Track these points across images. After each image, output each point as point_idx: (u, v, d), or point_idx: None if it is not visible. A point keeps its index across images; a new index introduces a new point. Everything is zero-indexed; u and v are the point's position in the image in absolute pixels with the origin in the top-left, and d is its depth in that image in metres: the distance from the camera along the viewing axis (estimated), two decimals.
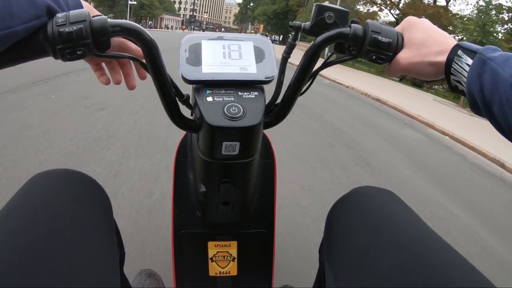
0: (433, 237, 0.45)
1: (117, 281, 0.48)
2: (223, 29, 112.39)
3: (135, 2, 42.74)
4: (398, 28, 0.50)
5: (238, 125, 0.46)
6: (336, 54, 0.54)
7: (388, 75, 0.53)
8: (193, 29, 69.96)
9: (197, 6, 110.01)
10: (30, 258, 0.35)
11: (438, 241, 0.44)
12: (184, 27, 70.76)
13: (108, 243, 0.48)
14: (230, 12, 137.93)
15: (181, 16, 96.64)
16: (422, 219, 0.49)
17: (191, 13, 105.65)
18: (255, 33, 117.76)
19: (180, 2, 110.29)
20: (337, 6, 0.50)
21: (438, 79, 0.48)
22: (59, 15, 0.42)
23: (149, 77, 0.50)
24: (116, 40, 0.52)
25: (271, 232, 0.72)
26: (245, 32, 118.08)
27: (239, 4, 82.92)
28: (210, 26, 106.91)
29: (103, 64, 0.59)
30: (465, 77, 0.41)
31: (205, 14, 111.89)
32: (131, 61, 0.57)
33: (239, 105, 0.48)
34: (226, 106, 0.47)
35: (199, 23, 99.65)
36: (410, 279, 0.38)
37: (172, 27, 57.00)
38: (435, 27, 0.48)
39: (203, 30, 72.04)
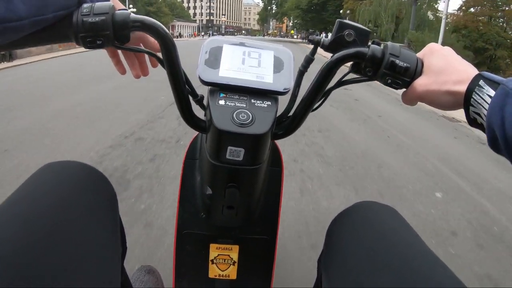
0: (429, 257, 0.46)
1: (118, 274, 0.51)
2: (243, 31, 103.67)
3: (135, 10, 32.73)
4: (419, 54, 0.50)
5: (244, 131, 0.47)
6: (352, 74, 0.53)
7: (404, 103, 0.52)
8: (212, 35, 60.00)
9: (213, 10, 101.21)
10: (33, 246, 0.37)
11: (434, 261, 0.45)
12: (196, 33, 65.11)
13: (111, 237, 0.51)
14: (249, 13, 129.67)
15: (197, 21, 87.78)
16: (420, 238, 0.51)
17: (207, 17, 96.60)
18: (279, 33, 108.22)
19: (195, 8, 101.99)
20: (359, 25, 0.50)
21: (456, 109, 0.46)
22: (85, 5, 0.46)
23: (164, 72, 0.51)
24: (136, 34, 0.56)
25: (273, 239, 0.74)
26: (266, 33, 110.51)
27: (259, 4, 71.94)
28: (230, 30, 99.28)
29: (119, 52, 0.61)
30: (485, 109, 0.39)
31: (223, 17, 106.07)
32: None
33: (249, 112, 0.48)
34: (236, 112, 0.48)
35: (217, 28, 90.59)
36: None
37: (179, 35, 47.46)
38: (457, 56, 0.47)
39: (223, 35, 62.40)
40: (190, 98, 0.54)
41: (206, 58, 0.53)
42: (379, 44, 0.50)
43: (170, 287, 0.80)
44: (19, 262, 0.35)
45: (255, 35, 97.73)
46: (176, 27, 61.20)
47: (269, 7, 62.30)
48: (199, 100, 0.56)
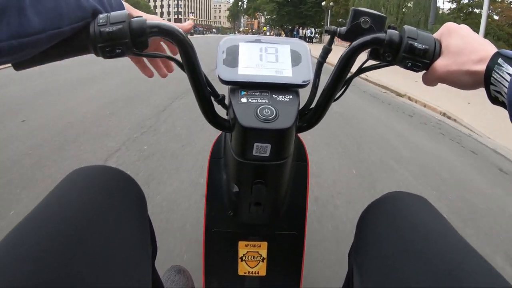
0: (463, 247, 0.45)
1: (148, 275, 0.53)
2: (214, 30, 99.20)
3: (193, 17, 28.59)
4: (436, 35, 0.50)
5: (270, 127, 0.48)
6: (371, 60, 0.55)
7: (424, 84, 0.53)
8: None
9: (181, 8, 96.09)
10: (66, 248, 0.38)
11: (468, 251, 0.45)
12: None
13: (141, 238, 0.52)
14: (219, 10, 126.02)
15: (165, 20, 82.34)
16: (453, 228, 0.50)
17: (175, 16, 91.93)
18: (251, 31, 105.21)
19: (162, 6, 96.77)
20: (374, 11, 0.51)
21: (477, 88, 0.47)
22: (101, 15, 0.47)
23: (184, 75, 0.52)
24: (155, 40, 0.61)
25: (302, 234, 0.74)
26: (238, 31, 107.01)
27: (229, 1, 67.42)
28: (199, 29, 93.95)
29: (144, 58, 0.65)
30: (506, 87, 0.40)
31: (191, 15, 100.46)
32: (165, 47, 0.66)
33: (272, 108, 0.49)
34: (260, 108, 0.49)
35: None
36: None
37: None
38: (475, 34, 0.48)
39: (192, 34, 57.87)
40: (212, 99, 0.54)
41: (223, 58, 0.53)
42: (395, 29, 0.50)
43: (200, 287, 0.82)
44: (51, 263, 0.37)
45: (226, 33, 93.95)
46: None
47: (240, 2, 58.06)
48: (221, 100, 0.56)
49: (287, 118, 0.49)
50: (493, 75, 0.42)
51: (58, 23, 0.42)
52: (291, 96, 0.52)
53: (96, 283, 0.39)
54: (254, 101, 0.51)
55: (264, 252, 0.72)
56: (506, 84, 0.40)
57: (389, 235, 0.51)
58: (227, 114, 0.57)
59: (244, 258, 0.72)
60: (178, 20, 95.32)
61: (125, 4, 0.55)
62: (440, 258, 0.43)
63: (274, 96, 0.52)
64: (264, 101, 0.51)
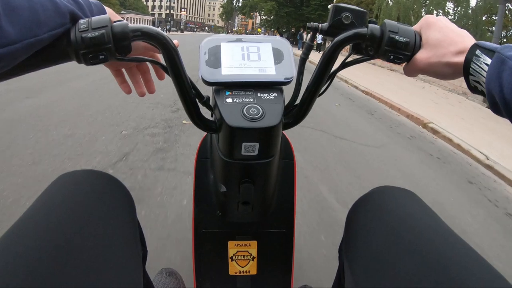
0: (452, 239, 0.47)
1: (140, 278, 0.53)
2: (206, 28, 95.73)
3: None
4: (416, 27, 0.53)
5: (258, 126, 0.49)
6: (354, 55, 0.57)
7: (406, 75, 0.56)
8: (169, 30, 51.51)
9: (174, 3, 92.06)
10: (55, 255, 0.39)
11: (458, 243, 0.46)
12: None
13: (131, 241, 0.53)
14: (214, 8, 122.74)
15: (156, 15, 78.70)
16: (442, 220, 0.52)
17: (167, 11, 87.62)
18: (245, 31, 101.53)
19: (154, 0, 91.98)
20: (354, 7, 0.53)
21: (456, 78, 0.50)
22: (81, 21, 0.46)
23: (169, 78, 0.53)
24: (138, 45, 0.58)
25: (291, 232, 0.76)
26: (231, 31, 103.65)
27: (221, 4, 63.16)
28: (191, 26, 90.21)
29: (124, 70, 0.65)
30: (484, 77, 0.43)
31: (183, 10, 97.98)
32: (150, 66, 0.66)
33: (258, 106, 0.51)
34: (246, 107, 0.50)
35: (176, 23, 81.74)
36: (428, 281, 0.41)
37: None
38: (453, 25, 0.50)
39: (182, 31, 54.72)
40: (197, 101, 0.56)
41: (206, 59, 0.54)
42: (376, 23, 0.52)
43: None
44: (41, 273, 0.37)
45: (219, 32, 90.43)
46: (126, 20, 51.94)
47: (234, 0, 54.01)
48: (205, 102, 0.57)
49: (274, 115, 0.50)
50: (471, 65, 0.45)
51: (35, 31, 0.41)
52: (275, 94, 0.54)
53: None
54: (240, 100, 0.51)
55: (254, 251, 0.73)
56: (484, 74, 0.43)
57: (379, 229, 0.52)
58: (211, 116, 0.58)
59: (234, 258, 0.73)
60: (169, 15, 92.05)
61: (107, 8, 0.54)
62: (430, 250, 0.44)
63: (259, 94, 0.53)
64: (249, 100, 0.52)
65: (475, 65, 0.44)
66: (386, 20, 0.51)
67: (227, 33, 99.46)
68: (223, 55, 0.55)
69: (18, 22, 0.38)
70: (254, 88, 0.54)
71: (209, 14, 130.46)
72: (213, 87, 0.55)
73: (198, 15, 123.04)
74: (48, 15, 0.42)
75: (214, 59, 0.54)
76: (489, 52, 0.43)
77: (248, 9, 43.58)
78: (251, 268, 0.74)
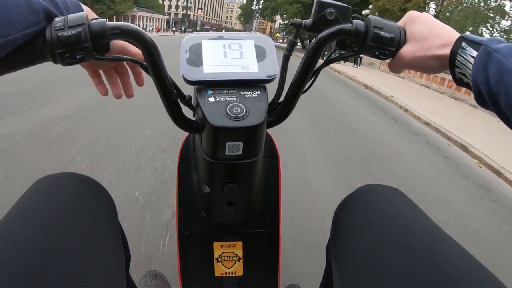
0: (440, 236, 0.47)
1: (123, 283, 0.54)
2: (223, 30, 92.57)
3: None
4: (400, 23, 0.53)
5: (241, 125, 0.49)
6: (339, 51, 0.57)
7: (391, 71, 0.56)
8: (184, 31, 48.51)
9: (191, 3, 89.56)
10: (36, 261, 0.38)
11: (446, 240, 0.47)
12: (158, 28, 50.22)
13: (113, 245, 0.53)
14: (232, 11, 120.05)
15: (171, 14, 76.00)
16: (430, 218, 0.53)
17: (184, 11, 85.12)
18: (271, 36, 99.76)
19: None
20: (338, 2, 0.53)
21: (442, 71, 0.51)
22: (57, 19, 0.45)
23: (150, 79, 0.53)
24: (116, 45, 0.56)
25: (276, 231, 0.76)
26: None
27: (243, 1, 59.49)
28: (207, 27, 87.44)
29: (101, 72, 0.64)
30: (470, 69, 0.44)
31: (200, 11, 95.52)
32: (129, 70, 0.65)
33: (241, 105, 0.50)
34: (229, 106, 0.50)
35: (193, 24, 79.11)
36: (417, 280, 0.41)
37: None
38: (436, 20, 0.51)
39: (183, 32, 52.59)
40: (178, 100, 0.55)
41: (187, 57, 0.53)
42: (360, 19, 0.52)
43: None
44: (21, 279, 0.36)
45: None
46: (138, 19, 49.30)
47: (255, 1, 49.87)
48: (187, 101, 0.56)
49: (258, 114, 0.50)
50: (457, 58, 0.45)
51: (7, 30, 0.39)
52: (259, 92, 0.53)
53: None
54: (223, 99, 0.51)
55: (239, 252, 0.73)
56: (470, 66, 0.43)
57: (366, 228, 0.52)
58: (193, 115, 0.58)
59: (220, 259, 0.73)
60: (186, 16, 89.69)
61: (83, 6, 0.53)
62: (419, 249, 0.44)
63: (242, 93, 0.52)
64: (232, 98, 0.51)
65: (461, 57, 0.45)
66: (371, 16, 0.51)
67: None
68: (205, 53, 0.54)
69: None
70: (237, 87, 0.53)
71: (226, 17, 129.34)
72: (195, 86, 0.54)
73: (216, 16, 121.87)
74: (21, 13, 0.40)
75: (196, 57, 0.53)
76: (475, 44, 0.44)
77: (269, 11, 39.95)
78: (237, 269, 0.74)
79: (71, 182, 0.53)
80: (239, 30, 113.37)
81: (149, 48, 0.48)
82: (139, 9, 51.34)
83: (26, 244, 0.39)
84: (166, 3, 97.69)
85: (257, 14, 56.36)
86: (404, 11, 23.24)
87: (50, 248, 0.40)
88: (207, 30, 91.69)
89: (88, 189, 0.54)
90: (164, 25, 65.44)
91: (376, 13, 24.62)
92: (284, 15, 36.49)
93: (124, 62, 0.63)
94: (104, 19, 0.47)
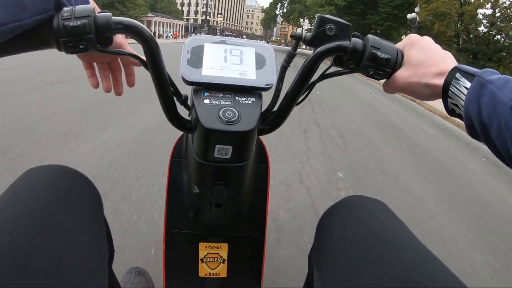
0: (420, 250, 0.49)
1: (105, 278, 0.53)
2: (244, 36, 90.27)
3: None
4: (399, 45, 0.54)
5: (232, 129, 0.50)
6: (335, 67, 0.58)
7: (384, 91, 0.57)
8: None
9: (211, 9, 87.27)
10: (18, 253, 0.39)
11: (424, 254, 0.48)
12: (176, 34, 47.66)
13: (97, 240, 0.53)
14: (252, 16, 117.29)
15: (190, 20, 73.90)
16: (411, 231, 0.54)
17: (203, 17, 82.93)
18: (285, 41, 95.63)
19: (189, 4, 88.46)
20: (339, 19, 0.54)
21: (434, 100, 0.52)
22: (65, 9, 0.47)
23: (148, 76, 0.54)
24: (117, 40, 0.59)
25: (262, 236, 0.78)
26: (269, 40, 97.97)
27: (264, 7, 55.99)
28: (227, 33, 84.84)
29: (95, 65, 0.66)
30: (462, 100, 0.44)
31: (219, 16, 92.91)
32: (122, 68, 0.68)
33: (234, 110, 0.51)
34: (222, 110, 0.51)
35: (212, 30, 76.71)
36: None
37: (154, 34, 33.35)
38: (436, 46, 0.52)
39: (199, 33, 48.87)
40: (175, 99, 0.56)
41: (188, 58, 0.54)
42: (359, 37, 0.53)
43: None
44: (4, 268, 0.37)
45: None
46: (154, 24, 46.65)
47: (279, 4, 45.94)
48: (183, 101, 0.58)
49: (249, 120, 0.51)
50: (450, 88, 0.45)
51: (20, 15, 0.41)
52: (254, 99, 0.54)
53: None
54: (217, 102, 0.52)
55: (224, 254, 0.74)
56: (463, 97, 0.43)
57: (348, 239, 0.53)
58: (189, 115, 0.59)
59: (204, 260, 0.74)
60: (205, 21, 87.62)
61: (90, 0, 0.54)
62: (398, 263, 0.45)
63: (237, 98, 0.53)
64: (227, 103, 0.52)
65: (454, 88, 0.45)
66: (370, 35, 0.52)
67: (267, 42, 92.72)
68: (206, 55, 0.55)
69: (4, 4, 0.40)
70: (233, 92, 0.54)
71: (247, 22, 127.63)
72: (193, 86, 0.55)
73: (236, 22, 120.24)
74: (33, 0, 0.43)
75: (196, 59, 0.54)
76: (469, 76, 0.44)
77: (296, 15, 36.28)
78: (221, 271, 0.75)
79: (58, 174, 0.54)
80: (260, 36, 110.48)
81: (150, 45, 0.50)
82: (155, 14, 49.00)
83: (9, 235, 0.40)
84: (185, 8, 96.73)
85: (281, 19, 52.87)
86: (461, 15, 19.45)
87: (33, 240, 0.41)
88: (227, 36, 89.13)
89: (74, 182, 0.55)
90: (182, 31, 62.92)
91: (428, 17, 20.98)
92: (313, 20, 33.07)
93: (119, 60, 0.66)
94: (110, 13, 0.48)
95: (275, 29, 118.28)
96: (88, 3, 0.50)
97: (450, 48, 21.36)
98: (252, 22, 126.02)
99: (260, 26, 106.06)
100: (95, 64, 0.65)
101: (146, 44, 0.49)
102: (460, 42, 21.88)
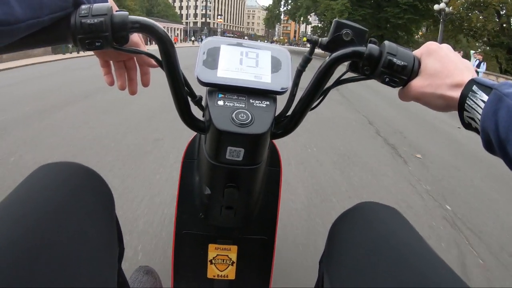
0: (432, 258, 0.48)
1: (114, 276, 0.53)
2: (246, 37, 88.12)
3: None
4: (416, 53, 0.53)
5: (244, 131, 0.49)
6: (350, 73, 0.57)
7: (400, 99, 0.56)
8: (202, 40, 42.76)
9: (210, 11, 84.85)
10: (28, 248, 0.39)
11: (437, 263, 0.47)
12: (176, 38, 45.41)
13: (108, 238, 0.53)
14: (253, 16, 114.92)
15: (189, 23, 71.75)
16: (423, 238, 0.54)
17: (202, 19, 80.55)
18: (288, 41, 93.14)
19: (188, 7, 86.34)
20: (356, 24, 0.53)
21: (450, 111, 0.50)
22: (83, 6, 0.48)
23: (163, 75, 0.54)
24: (133, 40, 0.60)
25: (272, 239, 0.77)
26: (273, 40, 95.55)
27: (265, 7, 53.40)
28: (228, 35, 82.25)
29: (111, 63, 0.68)
30: (479, 114, 0.42)
31: (219, 17, 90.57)
32: (138, 67, 0.68)
33: (248, 112, 0.51)
34: (235, 112, 0.50)
35: (213, 32, 74.56)
36: None
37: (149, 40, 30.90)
38: (454, 55, 0.50)
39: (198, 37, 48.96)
40: (189, 99, 0.57)
41: (204, 59, 0.55)
42: (376, 43, 0.52)
43: None
44: (14, 264, 0.37)
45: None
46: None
47: (283, 1, 42.65)
48: (198, 101, 0.58)
49: (262, 123, 0.50)
50: (467, 101, 0.44)
51: (38, 13, 0.42)
52: (268, 102, 0.54)
53: (60, 286, 0.39)
54: (231, 104, 0.52)
55: (233, 256, 0.74)
56: (480, 111, 0.42)
57: (360, 245, 0.53)
58: (203, 116, 0.59)
59: (213, 261, 0.74)
60: (205, 24, 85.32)
61: None
62: (410, 271, 0.45)
63: (251, 101, 0.53)
64: (240, 105, 0.52)
65: (471, 101, 0.43)
66: (386, 42, 0.52)
67: (270, 43, 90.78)
68: (221, 57, 0.55)
69: (25, 2, 0.40)
70: (247, 94, 0.54)
71: (248, 23, 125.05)
72: (207, 87, 0.55)
73: (237, 23, 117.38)
74: None
75: (212, 60, 0.55)
76: (486, 88, 0.42)
77: (303, 11, 33.20)
78: (230, 273, 0.74)
79: (70, 171, 0.54)
80: (263, 36, 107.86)
81: (165, 44, 0.51)
82: (151, 19, 46.33)
83: (20, 232, 0.40)
84: (184, 12, 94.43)
85: (283, 17, 49.62)
86: (505, 3, 16.49)
87: (43, 236, 0.41)
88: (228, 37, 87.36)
89: (87, 180, 0.55)
90: (181, 34, 60.34)
91: (461, 8, 18.11)
92: (325, 15, 29.79)
93: (135, 59, 0.67)
94: (127, 12, 0.50)
95: (277, 29, 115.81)
96: (106, 1, 0.52)
97: (492, 46, 18.52)
98: (253, 23, 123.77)
99: (261, 26, 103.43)
100: (111, 62, 0.67)
101: (161, 44, 0.51)
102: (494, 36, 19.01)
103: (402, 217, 0.58)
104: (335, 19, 0.53)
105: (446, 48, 0.50)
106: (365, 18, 25.40)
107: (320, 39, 0.53)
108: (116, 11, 0.49)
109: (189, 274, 0.76)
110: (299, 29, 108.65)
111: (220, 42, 0.57)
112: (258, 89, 0.53)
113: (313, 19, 40.87)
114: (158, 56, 0.55)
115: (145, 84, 0.68)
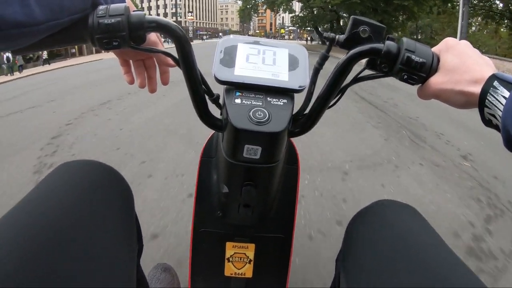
0: (449, 257, 0.47)
1: (133, 274, 0.54)
2: (221, 34, 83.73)
3: None
4: (435, 49, 0.51)
5: (262, 129, 0.49)
6: (368, 70, 0.56)
7: (419, 97, 0.54)
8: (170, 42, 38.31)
9: (180, 9, 79.87)
10: (49, 247, 0.39)
11: (456, 262, 0.47)
12: None
13: (127, 234, 0.54)
14: (227, 11, 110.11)
15: None
16: (440, 236, 0.53)
17: (173, 18, 75.40)
18: (265, 34, 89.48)
19: (157, 7, 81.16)
20: (373, 21, 0.52)
21: (470, 108, 0.48)
22: (100, 7, 0.49)
23: (180, 74, 0.54)
24: (151, 39, 0.61)
25: (289, 238, 0.77)
26: (248, 34, 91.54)
27: (238, 2, 49.68)
28: (201, 32, 77.85)
29: (131, 62, 0.68)
30: (500, 110, 0.41)
31: (189, 15, 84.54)
32: (157, 66, 0.69)
33: (265, 110, 0.50)
34: (253, 110, 0.50)
35: (185, 31, 69.01)
36: None
37: None
38: (473, 51, 0.48)
39: (191, 40, 42.33)
40: (206, 97, 0.57)
41: (221, 57, 0.55)
42: (393, 40, 0.51)
43: (186, 286, 0.82)
44: (35, 260, 0.37)
45: None
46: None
47: None
48: (215, 99, 0.58)
49: (280, 122, 0.50)
50: (488, 97, 0.42)
51: (58, 14, 0.42)
52: (285, 100, 0.53)
53: (80, 282, 0.39)
54: (248, 102, 0.51)
55: (251, 254, 0.74)
56: (501, 107, 0.40)
57: (377, 244, 0.52)
58: (221, 114, 0.59)
59: (231, 259, 0.73)
60: (177, 23, 79.76)
61: None
62: (427, 269, 0.44)
63: (268, 99, 0.53)
64: (258, 103, 0.51)
65: (492, 97, 0.42)
66: (404, 38, 0.50)
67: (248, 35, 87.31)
68: (239, 55, 0.55)
69: (45, 4, 0.40)
70: (265, 92, 0.54)
71: (222, 19, 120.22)
72: (225, 86, 0.55)
73: (210, 20, 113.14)
74: (72, 0, 0.44)
75: (229, 59, 0.54)
76: (508, 84, 0.41)
77: (285, 0, 28.75)
78: (247, 271, 0.74)
79: (90, 170, 0.54)
80: (238, 32, 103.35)
81: (183, 43, 0.51)
82: None
83: (39, 229, 0.40)
84: (153, 12, 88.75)
85: (263, 8, 45.10)
86: None
87: (63, 234, 0.41)
88: (201, 36, 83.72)
89: (107, 178, 0.55)
90: None
91: None
92: (310, 1, 25.49)
93: (154, 58, 0.67)
94: (143, 12, 0.50)
95: (252, 22, 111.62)
96: (124, 1, 0.52)
97: None
98: (227, 18, 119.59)
99: (236, 21, 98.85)
100: (131, 62, 0.67)
101: (178, 42, 0.51)
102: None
103: (420, 215, 0.58)
104: (352, 16, 0.52)
105: (464, 43, 0.49)
106: (362, 1, 21.33)
107: (337, 36, 0.52)
108: (133, 11, 0.50)
109: (207, 271, 0.77)
110: (275, 20, 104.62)
111: (238, 40, 0.57)
112: (275, 87, 0.53)
113: (298, 6, 36.53)
114: (175, 54, 0.55)
115: (165, 82, 0.69)
